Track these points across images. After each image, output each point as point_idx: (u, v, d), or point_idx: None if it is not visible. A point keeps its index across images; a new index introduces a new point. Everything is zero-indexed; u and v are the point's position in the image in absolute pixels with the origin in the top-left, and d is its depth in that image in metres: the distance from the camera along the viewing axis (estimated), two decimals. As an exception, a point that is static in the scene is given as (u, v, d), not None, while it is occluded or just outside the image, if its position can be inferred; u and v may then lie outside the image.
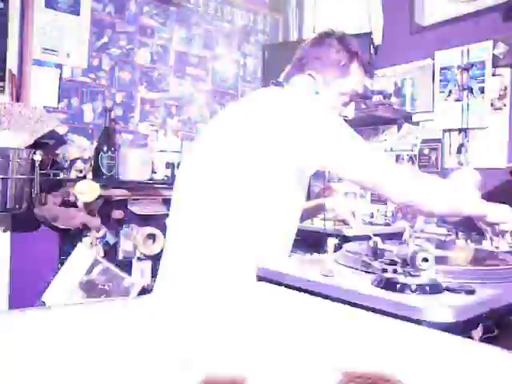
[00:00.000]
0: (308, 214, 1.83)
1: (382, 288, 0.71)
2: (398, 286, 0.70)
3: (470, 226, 1.48)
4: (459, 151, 2.23)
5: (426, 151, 2.40)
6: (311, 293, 0.77)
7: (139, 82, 2.63)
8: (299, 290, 0.79)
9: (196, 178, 1.25)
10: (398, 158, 2.55)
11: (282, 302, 0.68)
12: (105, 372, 0.39)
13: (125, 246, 2.58)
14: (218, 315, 0.59)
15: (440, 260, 0.76)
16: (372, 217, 2.13)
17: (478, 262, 0.90)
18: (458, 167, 2.23)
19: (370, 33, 2.55)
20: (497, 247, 1.32)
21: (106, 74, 2.50)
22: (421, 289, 0.68)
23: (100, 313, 0.57)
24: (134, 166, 2.38)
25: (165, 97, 2.74)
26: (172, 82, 2.77)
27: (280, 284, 0.84)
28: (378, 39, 2.59)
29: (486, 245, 1.36)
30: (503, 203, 1.32)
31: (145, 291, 2.55)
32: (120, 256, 2.56)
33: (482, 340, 0.66)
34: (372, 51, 2.52)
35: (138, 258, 2.64)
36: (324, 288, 0.76)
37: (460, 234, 1.69)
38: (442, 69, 2.31)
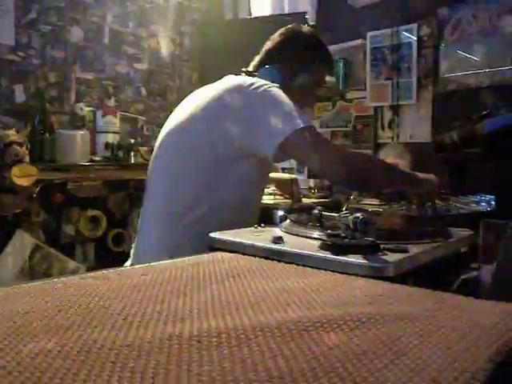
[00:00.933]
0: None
1: (327, 251, 0.79)
2: (343, 248, 0.78)
3: (401, 196, 1.61)
4: (390, 126, 2.38)
5: (360, 127, 2.54)
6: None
7: (73, 62, 2.55)
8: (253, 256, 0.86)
9: (164, 162, 1.31)
10: (333, 134, 2.67)
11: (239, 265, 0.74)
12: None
13: (66, 229, 2.54)
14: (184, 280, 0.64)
15: (378, 223, 0.85)
16: (310, 190, 2.24)
17: (410, 226, 1.01)
18: (389, 142, 2.39)
19: (305, 13, 2.62)
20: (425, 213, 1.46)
21: (36, 53, 2.41)
22: (362, 249, 0.77)
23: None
24: (72, 147, 2.33)
25: (101, 77, 2.68)
26: (108, 62, 2.71)
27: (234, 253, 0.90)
28: (312, 19, 2.66)
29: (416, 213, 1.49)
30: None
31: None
32: (62, 240, 2.51)
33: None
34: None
35: (81, 242, 2.60)
36: (276, 253, 0.83)
37: (391, 203, 1.82)
38: (373, 49, 2.44)
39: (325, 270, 0.72)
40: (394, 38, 2.34)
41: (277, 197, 2.19)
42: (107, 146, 2.50)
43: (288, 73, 1.36)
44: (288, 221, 1.06)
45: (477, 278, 0.82)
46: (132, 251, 1.36)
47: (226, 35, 2.77)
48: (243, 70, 1.41)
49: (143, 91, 2.90)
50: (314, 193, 2.21)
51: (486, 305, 0.51)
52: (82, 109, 2.55)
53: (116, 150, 2.51)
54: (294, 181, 1.96)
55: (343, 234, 0.80)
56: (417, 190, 1.43)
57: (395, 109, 2.36)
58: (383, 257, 0.75)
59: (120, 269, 0.74)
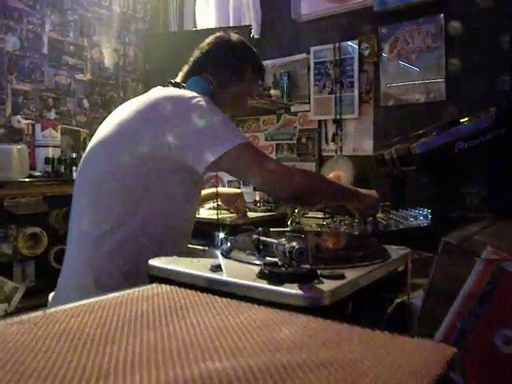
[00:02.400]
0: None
1: (264, 280, 0.78)
2: (279, 277, 0.77)
3: (345, 210, 1.64)
4: (334, 140, 2.42)
5: (304, 140, 2.57)
6: (202, 289, 0.82)
7: (8, 72, 2.43)
8: (190, 286, 0.84)
9: (87, 178, 1.24)
10: (278, 146, 2.69)
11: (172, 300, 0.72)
12: None
13: (3, 248, 2.41)
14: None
15: (316, 249, 0.85)
16: (256, 204, 2.24)
17: (348, 248, 1.02)
18: (333, 155, 2.43)
19: (249, 26, 2.64)
20: (365, 229, 1.49)
21: (-33, 62, 2.28)
22: (299, 278, 0.77)
23: None
24: (8, 163, 2.22)
25: (40, 88, 2.57)
26: (47, 72, 2.60)
27: (171, 281, 0.88)
28: (256, 32, 2.68)
29: (356, 228, 1.52)
30: (371, 187, 1.49)
31: (30, 294, 2.41)
32: (-3, 260, 2.38)
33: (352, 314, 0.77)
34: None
35: (20, 260, 2.48)
36: (214, 283, 0.81)
37: (336, 217, 1.85)
38: (316, 63, 2.48)
39: (262, 300, 0.72)
40: (337, 53, 2.39)
41: (222, 211, 2.18)
42: (47, 160, 2.40)
43: (217, 82, 1.32)
44: (229, 244, 1.05)
45: (410, 303, 0.84)
46: (60, 275, 1.26)
47: (171, 47, 2.74)
48: (170, 81, 1.36)
49: (86, 103, 2.81)
50: (259, 206, 2.21)
51: (411, 344, 0.51)
52: (19, 122, 2.44)
53: (57, 164, 2.41)
54: (239, 195, 1.95)
55: (280, 263, 0.80)
56: (358, 205, 1.46)
57: (338, 122, 2.41)
58: (319, 285, 0.75)
59: (49, 311, 0.70)
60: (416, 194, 1.85)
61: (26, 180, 2.26)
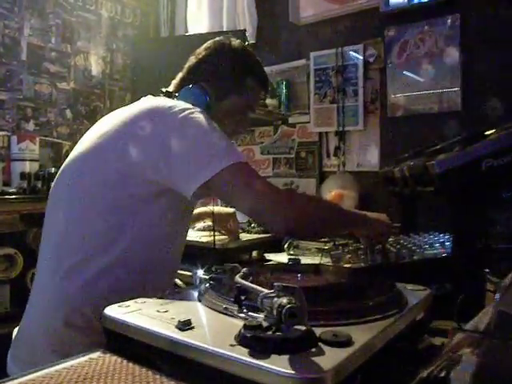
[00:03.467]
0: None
1: (244, 347, 0.59)
2: (263, 344, 0.58)
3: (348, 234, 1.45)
4: (336, 154, 2.23)
5: (303, 154, 2.38)
6: (165, 353, 0.63)
7: (-18, 79, 2.26)
8: (150, 348, 0.65)
9: (59, 200, 1.09)
10: (275, 161, 2.50)
11: None
12: None
13: (-27, 271, 2.21)
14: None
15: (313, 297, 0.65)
16: (250, 224, 2.05)
17: (355, 294, 0.82)
18: (335, 170, 2.24)
19: (244, 30, 2.46)
20: (373, 260, 1.29)
21: None
22: (289, 346, 0.57)
23: None
24: (-22, 178, 2.04)
25: (17, 97, 2.39)
26: (26, 80, 2.43)
27: (130, 340, 0.69)
28: (252, 37, 2.51)
29: (363, 258, 1.32)
30: (378, 207, 1.30)
31: (3, 320, 2.21)
32: (-33, 284, 2.19)
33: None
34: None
35: (-9, 282, 2.28)
36: (177, 347, 0.62)
37: (337, 240, 1.66)
38: (316, 70, 2.30)
39: (240, 378, 0.53)
40: (339, 59, 2.21)
41: (210, 233, 1.99)
42: (23, 176, 2.22)
43: (214, 93, 1.17)
44: (207, 285, 0.86)
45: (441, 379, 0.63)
46: (25, 311, 1.09)
47: (161, 53, 2.57)
48: (162, 90, 1.21)
49: (68, 113, 2.63)
50: (253, 227, 2.02)
51: None
52: (-8, 133, 2.26)
53: (34, 180, 2.23)
54: (231, 214, 1.77)
55: (265, 323, 0.60)
56: (367, 233, 1.28)
57: (341, 135, 2.22)
58: (318, 357, 0.55)
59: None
60: (429, 216, 1.66)
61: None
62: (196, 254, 1.98)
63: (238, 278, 0.77)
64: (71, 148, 2.55)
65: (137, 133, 0.99)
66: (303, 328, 0.60)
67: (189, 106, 1.04)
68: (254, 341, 0.58)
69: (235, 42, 1.26)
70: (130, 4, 2.98)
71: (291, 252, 1.78)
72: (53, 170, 2.31)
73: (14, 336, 1.10)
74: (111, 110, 2.74)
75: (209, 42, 1.26)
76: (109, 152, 1.01)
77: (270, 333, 0.59)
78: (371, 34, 2.14)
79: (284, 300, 0.58)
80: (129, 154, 0.98)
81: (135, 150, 0.98)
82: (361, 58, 2.15)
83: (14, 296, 2.34)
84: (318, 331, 0.60)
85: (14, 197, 2.14)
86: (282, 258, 1.73)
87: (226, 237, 1.89)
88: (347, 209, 1.19)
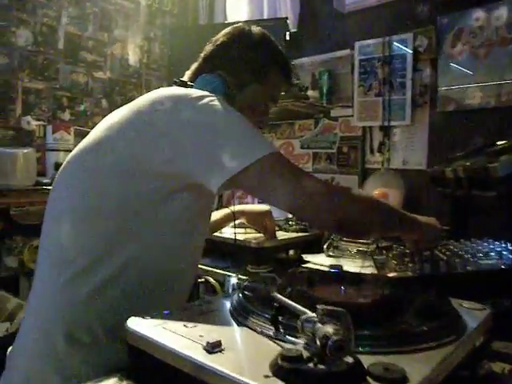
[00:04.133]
0: (216, 225, 1.63)
1: (279, 379, 0.52)
2: (303, 378, 0.51)
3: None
4: (380, 150, 2.12)
5: (345, 149, 2.27)
6: (190, 378, 0.57)
7: (19, 68, 2.26)
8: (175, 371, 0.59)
9: (63, 196, 0.98)
10: (315, 156, 2.40)
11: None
12: None
13: (8, 261, 2.24)
14: None
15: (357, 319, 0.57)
16: (287, 222, 1.96)
17: (404, 314, 0.73)
18: (379, 167, 2.12)
19: (286, 18, 2.37)
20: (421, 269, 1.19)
21: (-27, 57, 2.13)
22: (333, 382, 0.50)
23: None
24: (13, 169, 2.04)
25: (53, 86, 2.39)
26: (62, 69, 2.42)
27: (153, 359, 0.63)
28: (293, 25, 2.41)
29: (410, 266, 1.23)
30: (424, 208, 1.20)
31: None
32: (2, 273, 2.21)
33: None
34: (287, 38, 2.34)
35: (27, 274, 2.30)
36: (204, 373, 0.56)
37: (381, 242, 1.56)
38: (361, 60, 2.18)
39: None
40: (386, 49, 2.08)
41: (248, 230, 1.92)
42: (57, 166, 2.21)
43: (233, 82, 1.08)
44: (240, 295, 0.79)
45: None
46: (21, 324, 1.00)
47: (199, 42, 2.50)
48: (175, 80, 1.12)
49: (104, 103, 2.61)
50: (291, 225, 1.93)
51: None
52: (29, 123, 2.27)
53: (67, 170, 2.22)
54: (267, 213, 1.69)
55: (306, 353, 0.53)
56: (415, 237, 1.18)
57: (386, 130, 2.09)
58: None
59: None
60: (483, 220, 1.54)
61: (30, 188, 2.08)
62: (230, 252, 1.93)
63: (275, 294, 0.69)
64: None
65: (148, 122, 0.90)
66: (350, 359, 0.52)
67: (207, 93, 0.95)
68: (292, 374, 0.51)
69: (256, 28, 1.17)
70: (169, -10, 2.93)
71: (330, 253, 1.70)
72: (87, 160, 2.30)
73: (7, 355, 0.99)
74: (147, 100, 2.74)
75: (227, 28, 1.18)
76: (116, 143, 0.92)
77: (311, 365, 0.51)
78: (422, 22, 1.99)
79: (329, 329, 0.51)
80: (139, 145, 0.89)
81: (147, 139, 0.89)
82: (410, 47, 2.01)
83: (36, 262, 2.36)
84: (363, 359, 0.53)
85: (46, 188, 2.13)
86: (321, 259, 1.65)
87: (261, 235, 1.81)
88: (398, 209, 1.09)
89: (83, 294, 0.89)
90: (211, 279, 1.64)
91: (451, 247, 1.39)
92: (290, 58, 1.86)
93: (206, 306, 0.79)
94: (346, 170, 2.26)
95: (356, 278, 1.02)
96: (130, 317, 0.70)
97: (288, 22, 2.36)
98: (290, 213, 0.92)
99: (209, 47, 1.16)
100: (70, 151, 2.26)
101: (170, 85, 1.10)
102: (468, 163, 1.22)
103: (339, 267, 1.24)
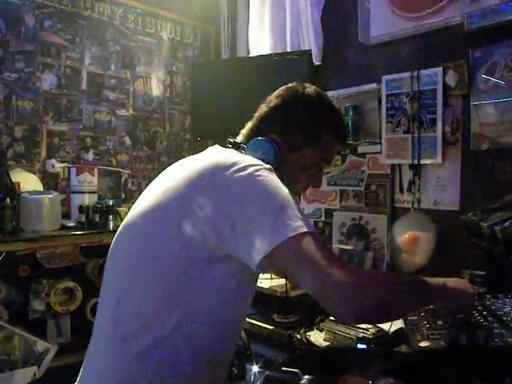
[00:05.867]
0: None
1: None
2: None
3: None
4: (410, 189, 2.06)
5: (374, 187, 2.22)
6: None
7: (44, 112, 2.31)
8: None
9: (118, 259, 1.07)
10: (342, 193, 2.37)
11: None
12: None
13: (35, 304, 2.28)
14: None
15: None
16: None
17: None
18: (408, 207, 2.07)
19: (310, 51, 2.36)
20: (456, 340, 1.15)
21: (-1, 105, 2.18)
22: None
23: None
24: (38, 214, 2.08)
25: (77, 127, 2.44)
26: (85, 110, 2.47)
27: None
28: (317, 58, 2.39)
29: (444, 334, 1.18)
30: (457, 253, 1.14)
31: (64, 351, 2.26)
32: (30, 316, 2.25)
33: None
34: (311, 71, 2.33)
35: (54, 316, 2.34)
36: None
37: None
38: (389, 95, 2.13)
39: None
40: (415, 84, 2.03)
41: (274, 278, 1.90)
42: (81, 209, 2.25)
43: (285, 145, 1.12)
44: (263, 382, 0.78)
45: None
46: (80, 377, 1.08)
47: (222, 75, 2.53)
48: (229, 140, 1.16)
49: (127, 141, 2.65)
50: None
51: None
52: (53, 166, 2.32)
53: (92, 212, 2.25)
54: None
55: None
56: (447, 305, 1.15)
57: (416, 168, 2.04)
58: None
59: None
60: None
61: (56, 235, 2.12)
62: (256, 299, 1.92)
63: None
64: (130, 176, 2.60)
65: (199, 196, 0.94)
66: None
67: (255, 161, 0.98)
68: None
69: (310, 89, 1.19)
70: (190, 24, 2.96)
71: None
72: (110, 202, 2.34)
73: None
74: (171, 134, 2.78)
75: (281, 88, 1.21)
76: (171, 213, 0.97)
77: None
78: (452, 56, 1.94)
79: None
80: (191, 214, 0.93)
81: (198, 210, 0.93)
82: (440, 82, 1.96)
83: (75, 327, 2.39)
84: None
85: (70, 233, 2.17)
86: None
87: (287, 283, 1.80)
88: (425, 281, 1.05)
89: (132, 355, 0.95)
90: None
91: (488, 304, 1.34)
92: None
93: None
94: (375, 208, 2.21)
95: (385, 357, 0.99)
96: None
97: (312, 55, 2.34)
98: (320, 300, 0.91)
99: (262, 108, 1.20)
100: (94, 193, 2.31)
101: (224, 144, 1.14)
102: (506, 223, 1.17)
103: (367, 340, 1.21)
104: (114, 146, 2.59)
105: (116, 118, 2.60)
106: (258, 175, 0.93)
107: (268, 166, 0.98)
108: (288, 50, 2.51)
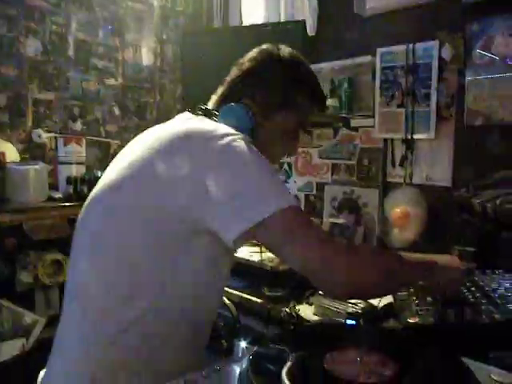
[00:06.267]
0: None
1: None
2: None
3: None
4: (402, 164, 2.05)
5: (366, 161, 2.20)
6: None
7: (29, 80, 2.25)
8: None
9: (88, 233, 1.00)
10: (334, 167, 2.34)
11: None
12: None
13: (22, 276, 2.26)
14: None
15: None
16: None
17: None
18: (400, 182, 2.06)
19: (304, 21, 2.30)
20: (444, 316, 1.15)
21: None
22: None
23: None
24: (24, 185, 2.04)
25: (64, 96, 2.37)
26: (73, 78, 2.40)
27: None
28: (311, 29, 2.33)
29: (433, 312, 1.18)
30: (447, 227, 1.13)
31: (53, 323, 2.25)
32: (18, 288, 2.24)
33: None
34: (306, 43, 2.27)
35: (43, 287, 2.32)
36: None
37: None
38: (383, 68, 2.09)
39: None
40: (410, 57, 1.99)
41: (264, 252, 1.89)
42: (69, 180, 2.21)
43: (260, 110, 1.07)
44: (250, 367, 0.77)
45: None
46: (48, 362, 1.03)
47: (213, 44, 2.46)
48: (200, 106, 1.10)
49: (116, 111, 2.59)
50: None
51: None
52: (39, 136, 2.26)
53: (80, 184, 2.21)
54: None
55: None
56: (436, 283, 1.14)
57: (409, 143, 2.02)
58: None
59: None
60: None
61: (41, 206, 2.08)
62: (245, 273, 1.91)
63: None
64: (120, 146, 2.55)
65: (169, 166, 0.89)
66: None
67: (230, 130, 0.93)
68: None
69: (284, 50, 1.13)
70: (182, -10, 2.87)
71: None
72: (99, 173, 2.30)
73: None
74: (161, 104, 2.72)
75: (254, 50, 1.14)
76: (137, 184, 0.93)
77: None
78: (449, 29, 1.90)
79: None
80: (159, 187, 0.89)
81: (167, 182, 0.89)
82: (436, 56, 1.92)
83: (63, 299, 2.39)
84: None
85: (60, 204, 2.14)
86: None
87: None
88: (416, 261, 1.05)
89: (108, 334, 0.91)
90: (226, 300, 1.63)
91: (477, 280, 1.34)
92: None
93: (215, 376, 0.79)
94: (367, 182, 2.20)
95: (374, 333, 0.99)
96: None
97: (306, 25, 2.28)
98: (302, 274, 0.89)
99: (234, 72, 1.13)
100: (82, 164, 2.28)
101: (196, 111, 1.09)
102: (498, 201, 1.17)
103: (356, 316, 1.21)
104: (103, 115, 2.54)
105: (105, 87, 2.53)
106: (235, 143, 0.89)
107: (244, 135, 0.94)
108: (282, 19, 2.45)
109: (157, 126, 1.04)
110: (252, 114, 1.04)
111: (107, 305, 0.92)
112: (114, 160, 1.05)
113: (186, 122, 1.00)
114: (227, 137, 0.90)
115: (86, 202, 1.03)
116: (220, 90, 1.14)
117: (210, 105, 1.13)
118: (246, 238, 0.89)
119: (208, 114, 1.08)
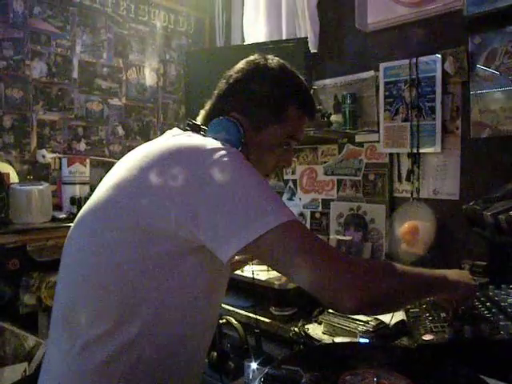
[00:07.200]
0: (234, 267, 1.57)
1: None
2: None
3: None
4: (409, 178, 2.01)
5: (372, 177, 2.17)
6: None
7: (34, 101, 2.24)
8: None
9: (73, 256, 0.95)
10: (339, 183, 2.31)
11: None
12: None
13: (25, 299, 2.21)
14: None
15: None
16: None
17: None
18: (407, 197, 2.02)
19: (306, 38, 2.29)
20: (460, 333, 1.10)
21: (-14, 94, 2.11)
22: None
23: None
24: (28, 206, 2.02)
25: (69, 117, 2.36)
26: (77, 99, 2.39)
27: None
28: (314, 46, 2.32)
29: (447, 326, 1.14)
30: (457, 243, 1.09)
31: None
32: (21, 311, 2.19)
33: None
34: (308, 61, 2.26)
35: (45, 311, 2.28)
36: None
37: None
38: (387, 83, 2.07)
39: None
40: (413, 71, 1.98)
41: (270, 270, 1.85)
42: (73, 200, 2.18)
43: (249, 124, 1.03)
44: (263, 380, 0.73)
45: None
46: None
47: (216, 64, 2.45)
48: (188, 121, 1.07)
49: (120, 130, 2.58)
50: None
51: None
52: (43, 156, 2.24)
53: (84, 204, 2.18)
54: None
55: None
56: (448, 297, 1.10)
57: (415, 157, 1.99)
58: None
59: None
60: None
61: (45, 227, 2.05)
62: (253, 292, 1.87)
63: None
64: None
65: (157, 185, 0.85)
66: None
67: (219, 145, 0.89)
68: None
69: (272, 60, 1.09)
70: (184, 11, 2.88)
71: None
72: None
73: None
74: (165, 124, 2.70)
75: (241, 62, 1.11)
76: (124, 204, 0.88)
77: None
78: (452, 43, 1.89)
79: None
80: (148, 206, 0.84)
81: (156, 200, 0.84)
82: (439, 69, 1.91)
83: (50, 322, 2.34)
84: None
85: (64, 224, 2.11)
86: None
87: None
88: (425, 273, 1.01)
89: (96, 363, 0.86)
90: (233, 320, 1.59)
91: (491, 295, 1.29)
92: (311, 82, 1.76)
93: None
94: (373, 198, 2.16)
95: (388, 353, 0.95)
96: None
97: (308, 42, 2.28)
98: (309, 291, 0.84)
99: (222, 84, 1.09)
100: (86, 183, 2.25)
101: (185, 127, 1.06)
102: (510, 212, 1.13)
103: (368, 334, 1.16)
104: (107, 135, 2.53)
105: (108, 107, 2.52)
106: (226, 158, 0.85)
107: (235, 150, 0.91)
108: (284, 37, 2.44)
109: (145, 144, 1.01)
110: (241, 127, 1.01)
111: (99, 332, 0.87)
112: (104, 179, 1.01)
113: (173, 139, 0.96)
114: (217, 152, 0.86)
115: (73, 224, 1.00)
116: (208, 105, 1.10)
117: (199, 120, 1.10)
118: (245, 254, 0.85)
119: (196, 129, 1.05)
